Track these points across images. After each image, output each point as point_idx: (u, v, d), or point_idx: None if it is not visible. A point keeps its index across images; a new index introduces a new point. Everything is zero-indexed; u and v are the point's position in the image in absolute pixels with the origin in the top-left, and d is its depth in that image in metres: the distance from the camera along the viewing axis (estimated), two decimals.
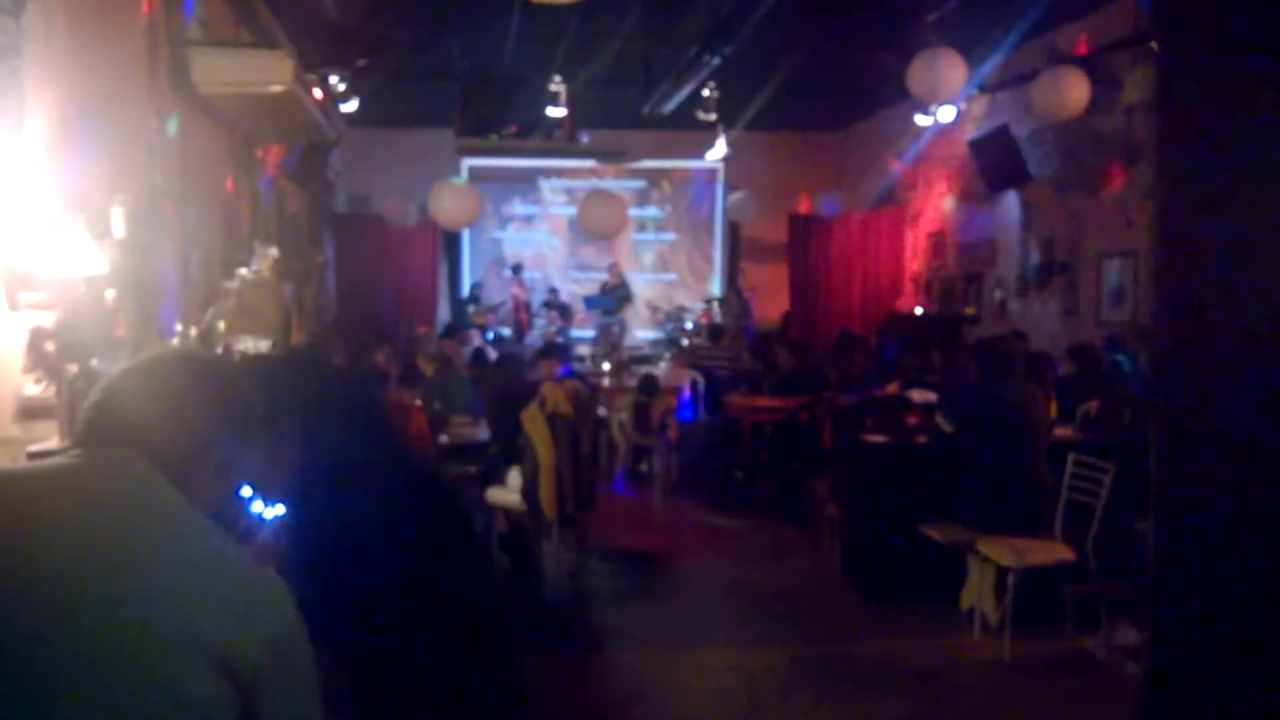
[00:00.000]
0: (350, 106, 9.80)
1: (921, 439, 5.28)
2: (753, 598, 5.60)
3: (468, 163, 14.78)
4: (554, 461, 5.15)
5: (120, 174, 4.47)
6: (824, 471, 6.29)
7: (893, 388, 6.88)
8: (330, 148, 8.85)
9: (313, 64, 9.12)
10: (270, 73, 5.35)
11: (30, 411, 3.32)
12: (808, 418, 6.67)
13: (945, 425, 4.78)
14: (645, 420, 7.69)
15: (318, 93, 8.55)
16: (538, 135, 9.68)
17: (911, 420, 5.92)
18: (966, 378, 5.34)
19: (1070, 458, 4.72)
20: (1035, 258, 9.97)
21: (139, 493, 1.28)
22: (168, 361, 1.49)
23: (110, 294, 4.12)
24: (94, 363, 3.38)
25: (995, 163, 10.29)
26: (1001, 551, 4.43)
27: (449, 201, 9.69)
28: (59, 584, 1.16)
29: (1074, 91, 7.31)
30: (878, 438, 5.35)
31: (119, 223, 4.19)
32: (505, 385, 5.66)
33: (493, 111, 9.25)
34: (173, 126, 5.28)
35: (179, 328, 4.00)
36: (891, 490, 5.20)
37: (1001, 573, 4.55)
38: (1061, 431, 5.32)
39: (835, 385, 7.58)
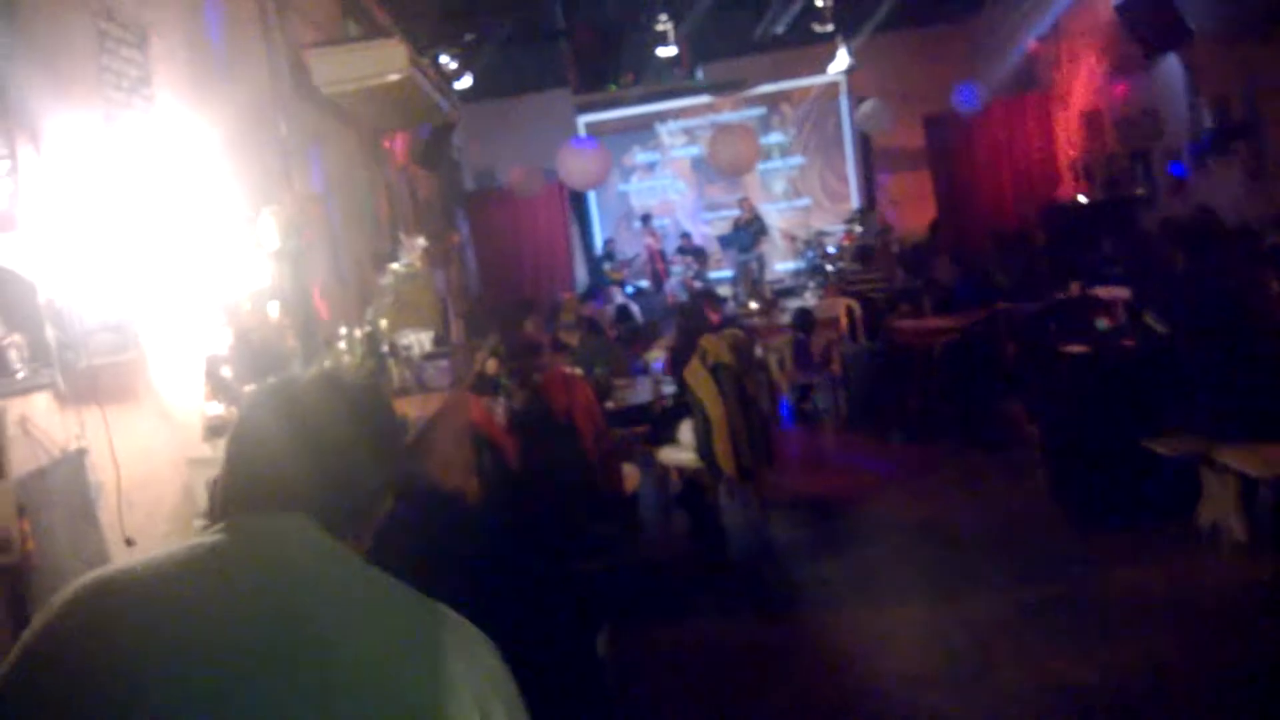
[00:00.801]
0: (464, 83, 9.78)
1: (1128, 342, 4.77)
2: (955, 538, 4.97)
3: (583, 119, 14.67)
4: (725, 415, 4.93)
5: (265, 184, 4.51)
6: (1014, 391, 5.80)
7: (1075, 288, 6.30)
8: (451, 127, 8.83)
9: (422, 46, 9.12)
10: (386, 62, 5.30)
11: (217, 430, 3.37)
12: (985, 333, 6.18)
13: (1157, 325, 4.25)
14: (806, 356, 7.39)
15: (469, 78, 8.60)
16: (655, 78, 9.38)
17: (1107, 321, 5.40)
18: (1169, 267, 4.76)
19: None
20: (1208, 123, 9.04)
21: (315, 563, 1.08)
22: (303, 397, 1.23)
23: (274, 306, 4.17)
24: (270, 381, 3.40)
25: (1149, 23, 9.35)
26: (1249, 460, 3.90)
27: (577, 161, 9.55)
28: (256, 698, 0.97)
29: None
30: (1077, 347, 4.86)
31: (272, 233, 4.22)
32: (689, 333, 5.39)
33: (605, 63, 9.04)
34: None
35: (344, 330, 4.02)
36: (1101, 404, 4.64)
37: (1249, 483, 4.01)
38: None
39: (1009, 293, 7.07)
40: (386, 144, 7.74)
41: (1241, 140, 8.57)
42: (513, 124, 13.15)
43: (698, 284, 13.44)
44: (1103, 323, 5.26)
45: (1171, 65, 9.55)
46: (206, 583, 1.04)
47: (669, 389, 5.53)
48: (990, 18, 13.18)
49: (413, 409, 3.70)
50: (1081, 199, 11.20)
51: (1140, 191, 10.40)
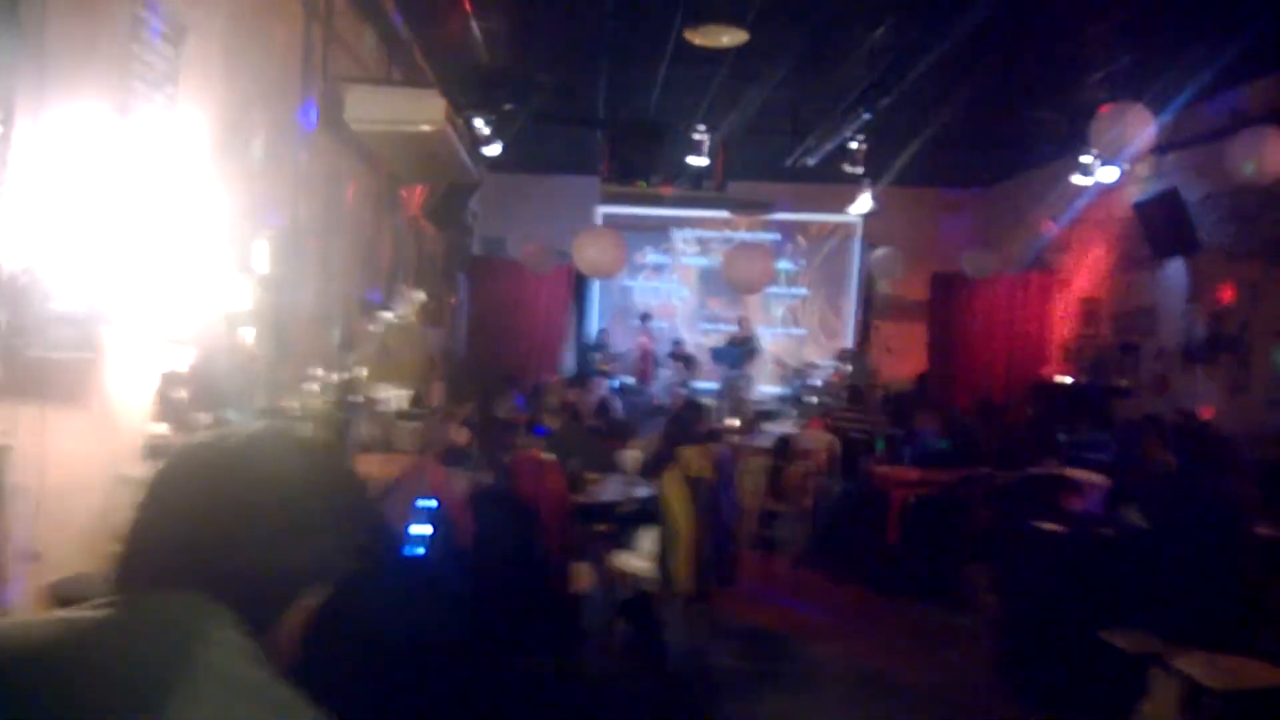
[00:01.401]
0: (494, 150, 9.85)
1: (1104, 530, 4.68)
2: (894, 694, 4.99)
3: (602, 210, 14.80)
4: (694, 530, 4.78)
5: (265, 208, 4.42)
6: (980, 555, 5.70)
7: (1052, 464, 6.25)
8: (472, 190, 8.85)
9: (460, 106, 9.22)
10: (422, 112, 5.30)
11: (158, 450, 3.18)
12: (960, 493, 6.09)
13: (1137, 519, 4.20)
14: (778, 484, 7.26)
15: (498, 146, 8.65)
16: (685, 184, 9.46)
17: (1075, 503, 5.33)
18: (1156, 464, 4.71)
19: None
20: (1201, 330, 9.18)
21: (196, 666, 0.91)
22: (244, 454, 1.05)
23: (249, 333, 4.04)
24: (230, 414, 3.22)
25: (1162, 228, 9.57)
26: (1204, 670, 3.82)
27: (595, 249, 9.56)
28: None
29: (1276, 154, 6.64)
30: (1052, 525, 4.78)
31: (263, 257, 4.11)
32: (673, 440, 5.23)
33: (638, 159, 9.12)
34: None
35: (321, 372, 3.87)
36: (1067, 587, 4.60)
37: (1193, 692, 3.92)
38: (1263, 530, 4.63)
39: (988, 459, 7.00)
40: (403, 193, 7.72)
41: (1230, 353, 8.69)
42: (533, 200, 13.24)
43: (683, 391, 13.39)
44: (1072, 503, 5.19)
45: (1175, 269, 9.75)
46: (69, 668, 0.89)
47: (640, 491, 5.35)
48: (1007, 191, 13.52)
49: (374, 467, 3.54)
50: (1067, 380, 11.28)
51: (1124, 383, 10.51)
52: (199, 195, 3.64)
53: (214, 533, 0.99)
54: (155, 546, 1.00)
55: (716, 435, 6.81)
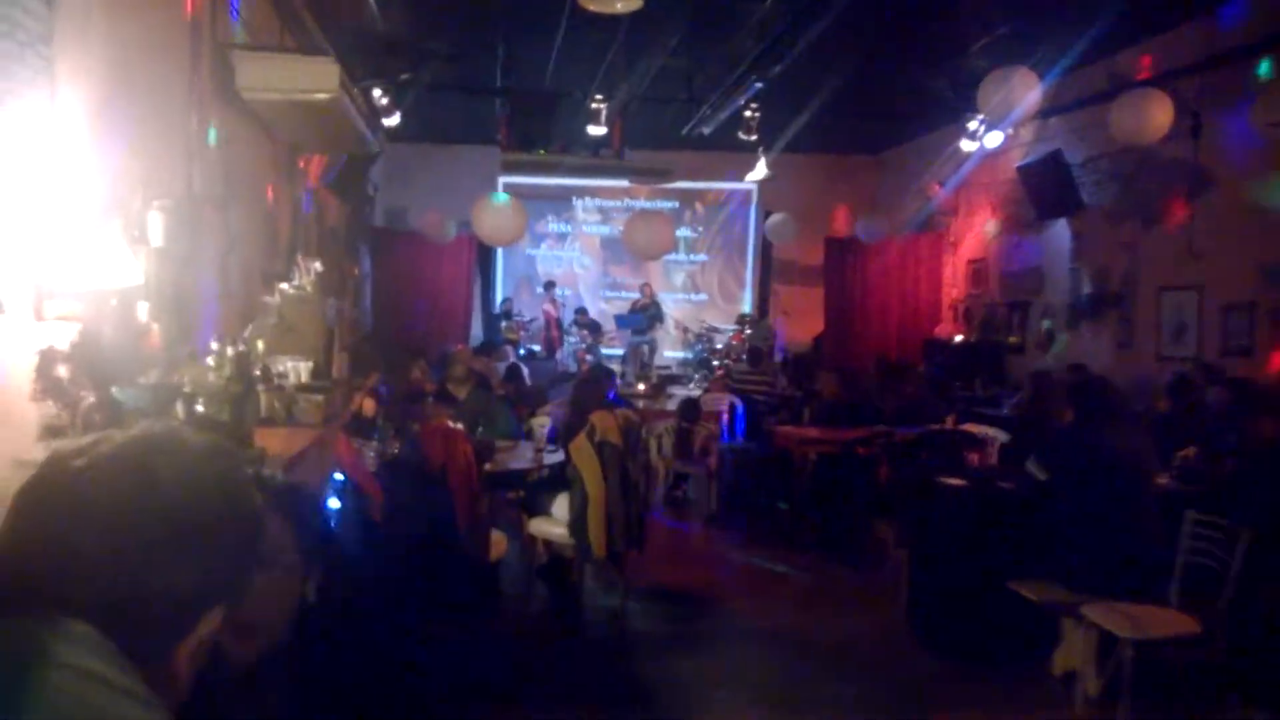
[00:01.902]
0: (393, 120, 9.63)
1: (1005, 484, 4.85)
2: (808, 651, 5.01)
3: (503, 180, 14.66)
4: (604, 495, 4.82)
5: (158, 177, 4.24)
6: (885, 511, 5.89)
7: (950, 421, 6.52)
8: (372, 160, 8.65)
9: (356, 76, 8.97)
10: (316, 79, 5.13)
11: (55, 430, 3.05)
12: (862, 452, 6.30)
13: (1039, 472, 4.36)
14: (686, 446, 7.38)
15: (397, 113, 8.43)
16: (583, 152, 9.42)
17: (974, 457, 5.58)
18: (1054, 419, 4.92)
19: (1189, 515, 4.13)
20: (1087, 288, 9.66)
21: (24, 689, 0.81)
22: (124, 459, 0.94)
23: (143, 307, 3.89)
24: (115, 391, 3.09)
25: (1046, 190, 9.99)
26: (1114, 619, 3.96)
27: (494, 218, 9.47)
28: None
29: (1158, 116, 6.96)
30: (955, 480, 4.95)
31: (157, 229, 3.95)
32: (582, 406, 5.23)
33: (536, 128, 9.04)
34: (212, 135, 5.06)
35: (215, 345, 3.76)
36: (973, 540, 4.67)
37: (1106, 639, 4.05)
38: (1161, 480, 4.75)
39: (887, 418, 7.25)
40: (302, 163, 7.49)
41: (1114, 309, 9.16)
42: (434, 169, 13.00)
43: (589, 357, 13.44)
44: (972, 458, 5.42)
45: (1060, 229, 10.20)
46: None
47: (551, 458, 5.36)
48: (899, 156, 13.89)
49: (276, 442, 3.45)
50: (958, 338, 11.73)
51: (1013, 340, 10.99)
52: (80, 164, 3.46)
53: (84, 555, 0.89)
54: (17, 569, 0.90)
55: (623, 400, 6.87)
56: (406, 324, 11.85)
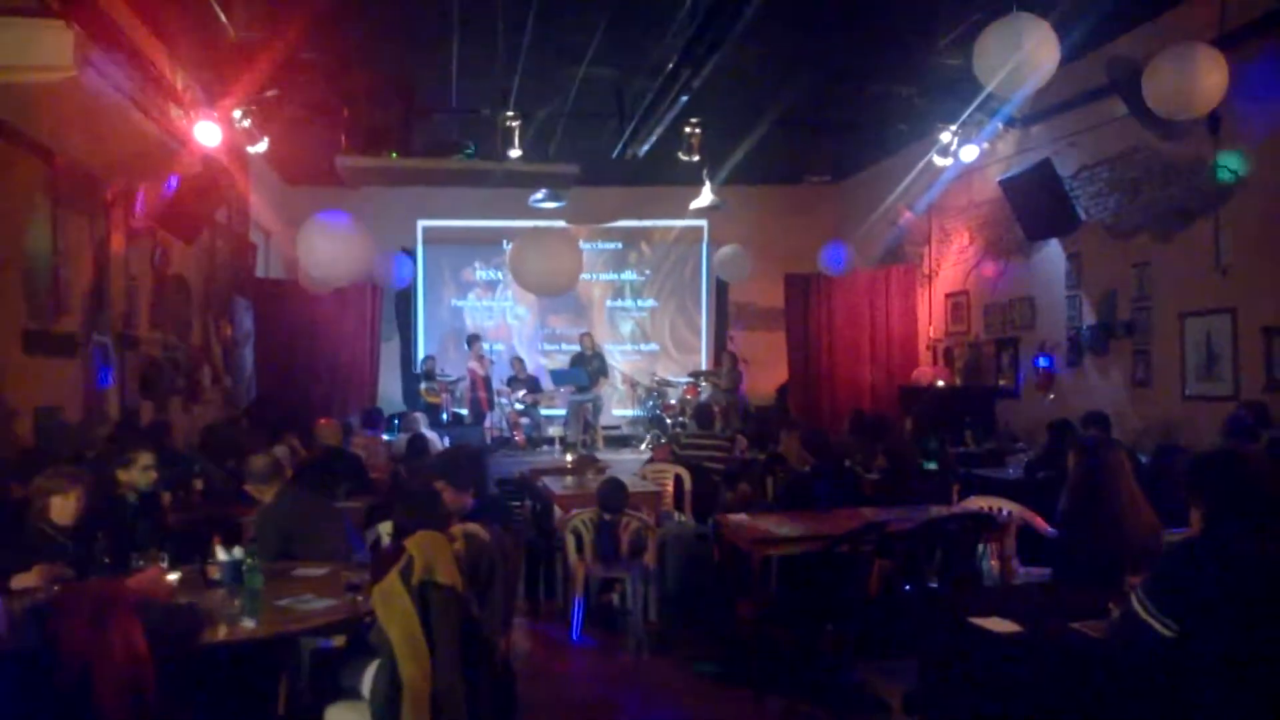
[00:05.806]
0: (260, 147, 8.10)
1: (1088, 629, 2.78)
2: None
3: (422, 223, 13.21)
4: (426, 674, 2.92)
5: None
6: (883, 651, 4.17)
7: (954, 493, 4.91)
8: (212, 187, 7.05)
9: (212, 92, 7.44)
10: (40, 50, 3.57)
11: None
12: (849, 550, 4.48)
13: (1160, 626, 2.41)
14: (611, 544, 5.59)
15: (216, 128, 6.88)
16: (458, 156, 7.78)
17: (993, 546, 3.98)
18: (1100, 492, 3.33)
19: None
20: (1089, 318, 8.26)
21: None
22: None
23: None
24: None
25: (1035, 206, 8.64)
26: None
27: (323, 243, 7.74)
28: None
29: (1211, 74, 5.49)
30: (1004, 625, 2.88)
31: None
32: (406, 515, 3.35)
33: (388, 121, 7.41)
34: None
35: None
36: (1033, 713, 2.77)
37: None
38: None
39: (870, 488, 5.68)
40: (110, 195, 5.88)
41: (1125, 340, 7.76)
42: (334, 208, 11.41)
43: (525, 420, 11.86)
44: (991, 565, 3.79)
45: (1052, 252, 8.84)
46: None
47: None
48: (862, 182, 12.58)
49: None
50: (940, 383, 10.27)
51: (1004, 382, 9.56)
52: None
53: None
54: None
55: (518, 485, 5.01)
56: (300, 389, 10.11)
